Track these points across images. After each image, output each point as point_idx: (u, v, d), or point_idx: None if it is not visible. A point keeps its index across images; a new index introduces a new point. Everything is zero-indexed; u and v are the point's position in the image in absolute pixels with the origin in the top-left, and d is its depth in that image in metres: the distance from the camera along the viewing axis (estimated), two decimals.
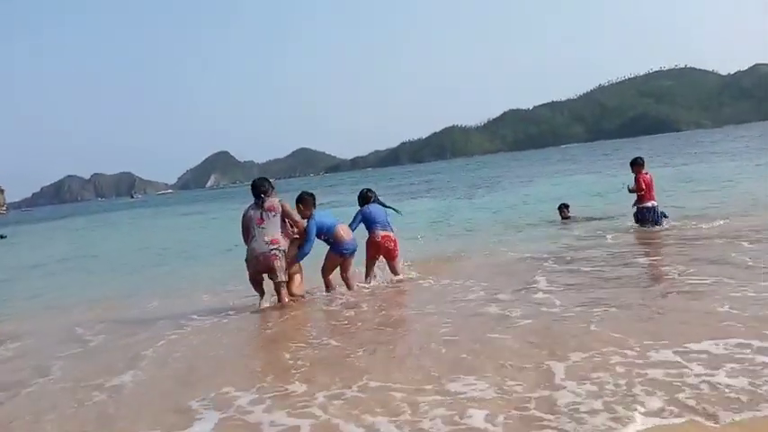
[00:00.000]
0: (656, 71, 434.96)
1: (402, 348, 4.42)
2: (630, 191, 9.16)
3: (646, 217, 9.03)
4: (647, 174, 9.18)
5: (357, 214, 7.02)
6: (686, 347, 3.60)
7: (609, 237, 8.75)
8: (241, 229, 6.31)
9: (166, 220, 34.11)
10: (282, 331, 5.52)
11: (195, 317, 6.27)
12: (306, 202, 6.58)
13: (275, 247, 6.00)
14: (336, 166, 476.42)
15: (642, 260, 7.08)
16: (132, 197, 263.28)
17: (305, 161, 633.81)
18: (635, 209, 9.25)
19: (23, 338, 6.35)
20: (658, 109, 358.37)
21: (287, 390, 3.65)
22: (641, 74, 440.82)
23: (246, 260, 6.16)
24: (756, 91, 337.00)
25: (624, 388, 3.09)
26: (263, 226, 6.06)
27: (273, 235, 6.05)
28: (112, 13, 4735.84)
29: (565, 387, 3.19)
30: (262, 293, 6.26)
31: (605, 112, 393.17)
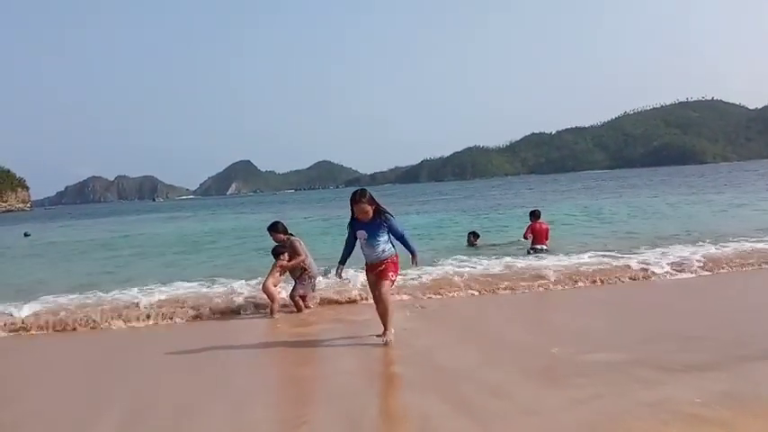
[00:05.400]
0: (682, 102, 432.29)
1: None
2: (524, 237, 11.79)
3: (535, 254, 11.13)
4: (542, 223, 11.54)
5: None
6: None
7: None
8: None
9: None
10: None
11: None
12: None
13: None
14: (356, 180, 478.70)
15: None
16: (154, 200, 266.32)
17: (325, 173, 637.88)
18: (529, 247, 11.56)
19: None
20: (684, 140, 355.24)
21: None
22: (667, 104, 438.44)
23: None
24: None
25: None
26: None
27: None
28: (143, 16, 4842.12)
29: None
30: None
31: (629, 139, 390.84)
